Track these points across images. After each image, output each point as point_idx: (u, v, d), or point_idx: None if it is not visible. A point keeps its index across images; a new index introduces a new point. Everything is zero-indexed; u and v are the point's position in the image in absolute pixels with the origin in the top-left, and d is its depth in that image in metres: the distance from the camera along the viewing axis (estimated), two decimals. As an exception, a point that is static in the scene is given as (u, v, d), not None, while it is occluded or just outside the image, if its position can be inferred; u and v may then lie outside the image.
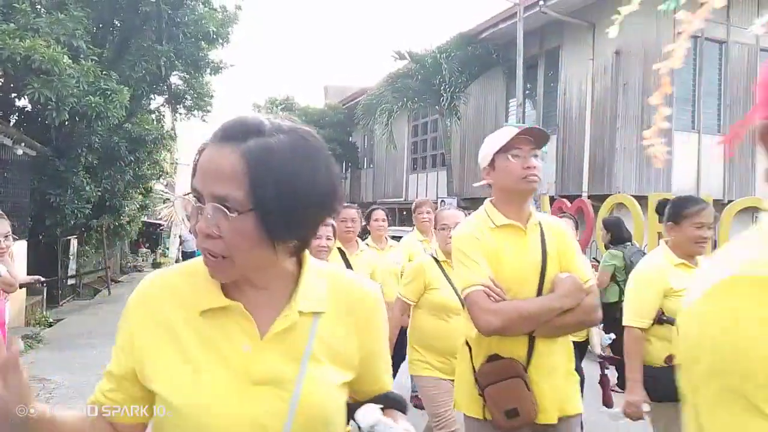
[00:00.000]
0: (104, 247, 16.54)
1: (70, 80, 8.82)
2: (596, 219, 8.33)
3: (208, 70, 14.58)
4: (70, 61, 8.92)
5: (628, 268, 6.41)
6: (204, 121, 18.00)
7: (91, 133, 10.77)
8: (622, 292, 6.55)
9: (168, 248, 37.43)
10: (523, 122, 12.92)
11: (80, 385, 6.32)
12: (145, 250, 31.54)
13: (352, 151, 22.12)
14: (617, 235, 6.72)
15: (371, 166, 22.00)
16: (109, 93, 10.07)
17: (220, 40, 13.59)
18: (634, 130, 11.41)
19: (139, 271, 26.90)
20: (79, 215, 12.03)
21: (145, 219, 26.23)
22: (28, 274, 10.86)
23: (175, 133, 18.83)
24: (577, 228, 5.01)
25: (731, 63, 12.21)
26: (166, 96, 16.64)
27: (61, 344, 8.58)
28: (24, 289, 10.37)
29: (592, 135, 11.81)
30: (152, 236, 33.70)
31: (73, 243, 14.57)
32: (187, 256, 19.52)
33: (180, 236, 21.35)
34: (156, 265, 31.37)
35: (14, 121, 10.54)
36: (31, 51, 8.31)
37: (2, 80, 9.74)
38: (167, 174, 20.23)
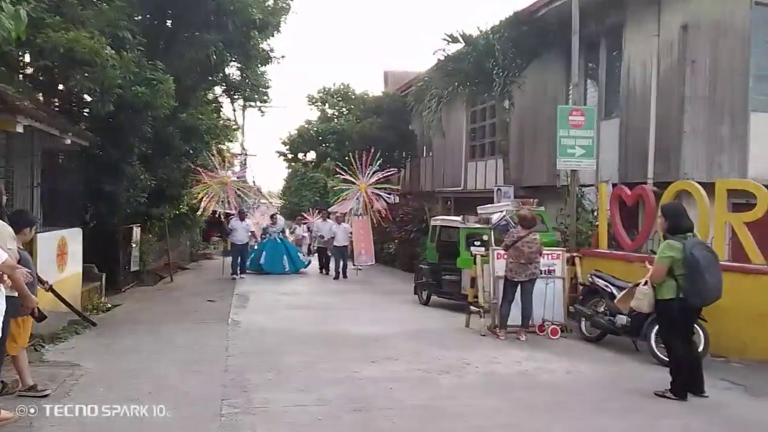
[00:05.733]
0: (166, 235, 16.98)
1: (113, 71, 8.94)
2: (658, 209, 7.59)
3: (259, 61, 14.59)
4: (113, 51, 9.03)
5: (687, 261, 5.69)
6: (261, 112, 18.18)
7: (141, 123, 10.96)
8: (679, 288, 5.81)
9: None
10: (585, 104, 12.17)
11: (106, 371, 6.38)
12: (216, 238, 32.43)
13: (410, 140, 21.68)
14: (676, 224, 6.00)
15: (430, 154, 21.52)
16: (155, 83, 10.19)
17: (270, 29, 13.55)
18: (704, 112, 10.48)
19: (209, 258, 27.63)
20: (134, 204, 12.35)
21: (216, 208, 26.94)
22: (86, 261, 11.28)
23: (236, 123, 19.09)
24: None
25: (820, 33, 10.96)
26: (225, 87, 16.90)
27: (104, 330, 8.76)
28: (79, 275, 10.75)
29: (657, 117, 10.96)
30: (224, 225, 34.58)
31: (136, 231, 15.04)
32: (235, 247, 17.14)
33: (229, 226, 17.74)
34: (226, 253, 32.20)
35: (65, 111, 10.82)
36: (73, 43, 8.46)
37: (42, 73, 10.00)
38: (230, 164, 20.44)
